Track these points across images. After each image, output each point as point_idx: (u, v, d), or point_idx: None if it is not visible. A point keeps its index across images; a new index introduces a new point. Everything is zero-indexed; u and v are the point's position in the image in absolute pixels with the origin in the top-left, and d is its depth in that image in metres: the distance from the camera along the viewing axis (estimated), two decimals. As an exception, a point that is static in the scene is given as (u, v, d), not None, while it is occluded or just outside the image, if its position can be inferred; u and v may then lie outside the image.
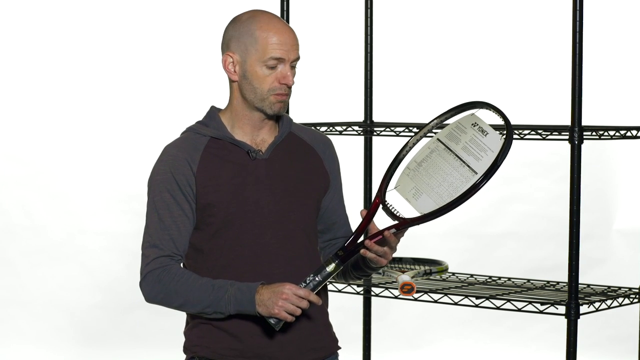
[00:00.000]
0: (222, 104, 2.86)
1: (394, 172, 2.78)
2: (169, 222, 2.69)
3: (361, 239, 2.70)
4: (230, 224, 2.70)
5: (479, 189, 2.61)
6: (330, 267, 2.66)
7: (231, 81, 2.76)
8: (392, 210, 2.71)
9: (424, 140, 2.84)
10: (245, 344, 2.71)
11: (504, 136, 2.65)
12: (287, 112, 3.98)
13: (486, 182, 2.61)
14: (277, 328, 2.63)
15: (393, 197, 2.74)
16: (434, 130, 2.84)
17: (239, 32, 2.71)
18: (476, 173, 2.65)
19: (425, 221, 2.66)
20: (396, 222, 2.68)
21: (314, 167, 2.82)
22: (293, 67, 2.73)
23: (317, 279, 2.64)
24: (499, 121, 2.71)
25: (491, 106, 2.70)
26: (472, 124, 2.71)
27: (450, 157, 2.71)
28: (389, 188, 2.75)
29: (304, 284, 2.63)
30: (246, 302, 2.62)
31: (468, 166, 2.68)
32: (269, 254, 2.72)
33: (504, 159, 2.61)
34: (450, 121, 2.79)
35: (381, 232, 2.67)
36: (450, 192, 2.67)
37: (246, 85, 2.72)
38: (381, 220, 2.72)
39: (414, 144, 2.80)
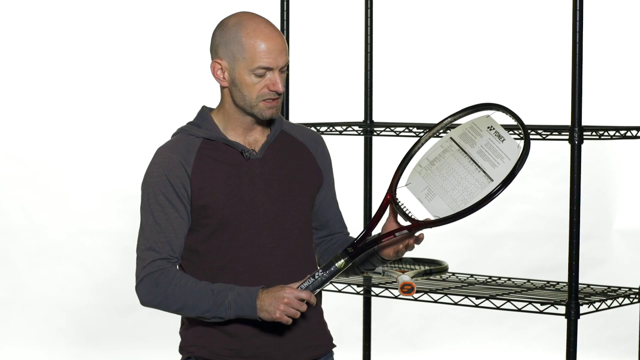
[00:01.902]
0: (214, 102, 2.84)
1: (405, 168, 2.76)
2: (165, 224, 2.68)
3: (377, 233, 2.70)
4: (226, 225, 2.70)
5: (495, 197, 2.58)
6: (340, 263, 2.65)
7: (222, 87, 2.75)
8: (404, 209, 2.69)
9: (434, 139, 2.81)
10: (241, 343, 2.70)
11: (521, 144, 2.60)
12: (288, 112, 3.97)
13: (503, 190, 2.58)
14: None
15: (404, 195, 2.72)
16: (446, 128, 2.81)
17: (225, 38, 2.68)
18: (492, 180, 2.62)
19: (438, 225, 2.63)
20: (408, 222, 2.67)
21: (307, 165, 2.82)
22: (283, 72, 2.70)
23: (325, 275, 2.63)
24: (510, 121, 2.67)
25: (509, 112, 2.66)
26: (488, 127, 2.67)
27: (464, 160, 2.68)
28: (399, 185, 2.74)
29: (312, 279, 2.62)
30: (247, 308, 2.61)
31: (484, 172, 2.65)
32: (265, 254, 2.72)
33: (521, 168, 2.58)
34: (462, 120, 2.76)
35: (392, 232, 2.66)
36: (465, 197, 2.64)
37: (236, 92, 2.70)
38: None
39: (427, 141, 2.78)
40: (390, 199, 2.71)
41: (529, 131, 3.41)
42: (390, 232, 2.66)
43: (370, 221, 2.72)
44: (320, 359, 2.82)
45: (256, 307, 2.60)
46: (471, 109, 2.74)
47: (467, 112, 2.74)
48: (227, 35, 2.68)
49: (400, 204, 2.70)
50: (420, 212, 2.70)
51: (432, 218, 2.66)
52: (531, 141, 3.20)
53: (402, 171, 2.75)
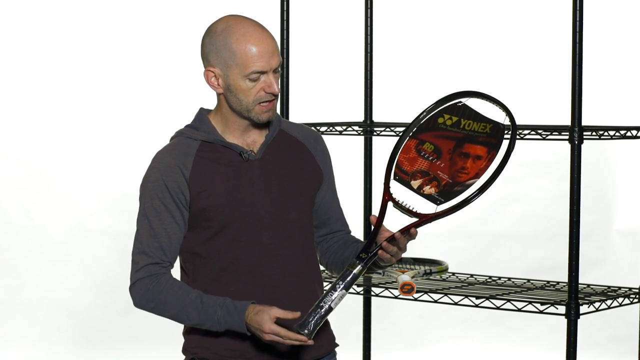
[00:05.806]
0: (212, 103, 2.83)
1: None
2: (158, 229, 2.68)
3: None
4: (227, 227, 2.70)
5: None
6: (357, 270, 2.63)
7: (217, 93, 2.74)
8: (406, 205, 2.68)
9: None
10: (245, 344, 2.70)
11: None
12: (288, 112, 3.97)
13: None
14: None
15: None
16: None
17: (215, 46, 2.67)
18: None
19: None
20: (415, 218, 2.65)
21: (307, 164, 2.81)
22: (277, 73, 2.69)
23: (342, 284, 2.61)
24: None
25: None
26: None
27: None
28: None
29: (335, 291, 2.59)
30: (235, 324, 2.62)
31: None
32: (266, 254, 2.72)
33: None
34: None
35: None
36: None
37: (232, 98, 2.69)
38: (396, 219, 2.71)
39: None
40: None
41: (530, 131, 3.42)
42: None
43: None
44: (324, 359, 2.82)
45: (244, 324, 2.61)
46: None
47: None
48: (216, 43, 2.67)
49: (400, 202, 2.69)
50: (418, 206, 2.70)
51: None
52: (530, 140, 3.22)
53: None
